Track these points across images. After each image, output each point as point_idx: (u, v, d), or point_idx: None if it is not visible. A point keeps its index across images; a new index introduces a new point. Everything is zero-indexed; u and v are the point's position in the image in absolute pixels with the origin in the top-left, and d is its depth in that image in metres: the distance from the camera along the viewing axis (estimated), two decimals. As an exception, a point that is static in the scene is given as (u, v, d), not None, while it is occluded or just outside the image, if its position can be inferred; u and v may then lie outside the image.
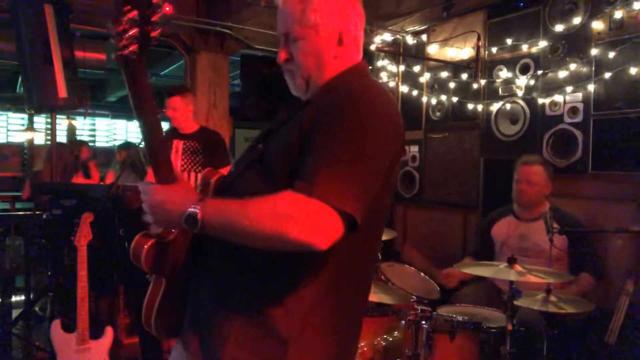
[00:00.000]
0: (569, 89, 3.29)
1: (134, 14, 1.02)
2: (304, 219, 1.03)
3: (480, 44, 3.40)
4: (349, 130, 1.12)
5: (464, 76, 3.98)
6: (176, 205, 1.12)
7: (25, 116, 8.56)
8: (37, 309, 4.22)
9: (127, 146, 5.72)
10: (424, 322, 2.46)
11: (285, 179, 1.14)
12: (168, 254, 1.27)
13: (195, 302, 1.28)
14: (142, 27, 1.03)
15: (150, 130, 1.15)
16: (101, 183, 5.32)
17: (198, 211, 1.08)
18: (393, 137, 1.21)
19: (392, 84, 4.63)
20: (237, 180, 1.28)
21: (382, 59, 4.67)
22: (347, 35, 1.31)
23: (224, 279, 1.22)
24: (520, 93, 3.61)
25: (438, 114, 4.26)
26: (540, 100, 3.47)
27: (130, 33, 1.03)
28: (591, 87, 3.18)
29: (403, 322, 2.53)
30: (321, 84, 1.31)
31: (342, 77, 1.30)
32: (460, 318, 2.44)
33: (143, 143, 1.17)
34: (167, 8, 1.05)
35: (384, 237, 3.15)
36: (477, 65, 3.40)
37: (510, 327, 2.24)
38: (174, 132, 3.69)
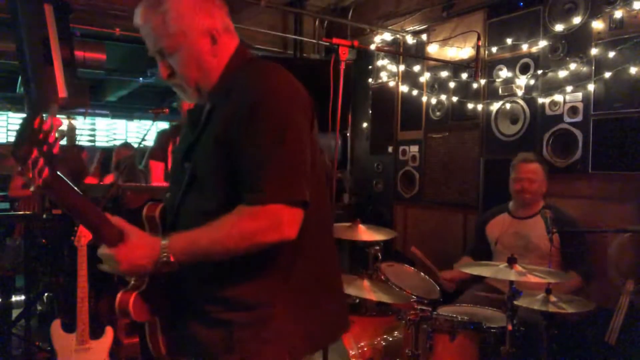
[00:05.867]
0: (568, 88, 3.29)
1: (35, 153, 1.05)
2: (269, 226, 1.16)
3: (480, 43, 3.39)
4: (268, 129, 1.18)
5: (464, 76, 3.98)
6: (147, 259, 1.20)
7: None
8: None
9: (129, 146, 5.71)
10: (424, 322, 2.46)
11: (222, 187, 1.23)
12: (151, 296, 1.30)
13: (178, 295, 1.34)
14: (46, 155, 1.07)
15: (86, 218, 1.22)
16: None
17: (169, 254, 1.18)
18: (301, 105, 1.26)
19: (392, 83, 4.63)
20: (181, 208, 1.32)
21: (382, 59, 4.67)
22: (217, 30, 1.28)
23: (202, 267, 1.26)
24: (520, 93, 3.60)
25: (438, 113, 4.26)
26: (540, 100, 3.47)
27: (38, 166, 1.06)
28: (591, 87, 3.18)
29: (403, 322, 2.53)
30: (211, 85, 1.31)
31: (231, 71, 1.30)
32: (460, 318, 2.44)
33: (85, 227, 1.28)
34: (58, 123, 1.10)
35: (384, 237, 3.16)
36: (477, 65, 3.39)
37: (510, 327, 2.24)
38: (179, 129, 3.67)
